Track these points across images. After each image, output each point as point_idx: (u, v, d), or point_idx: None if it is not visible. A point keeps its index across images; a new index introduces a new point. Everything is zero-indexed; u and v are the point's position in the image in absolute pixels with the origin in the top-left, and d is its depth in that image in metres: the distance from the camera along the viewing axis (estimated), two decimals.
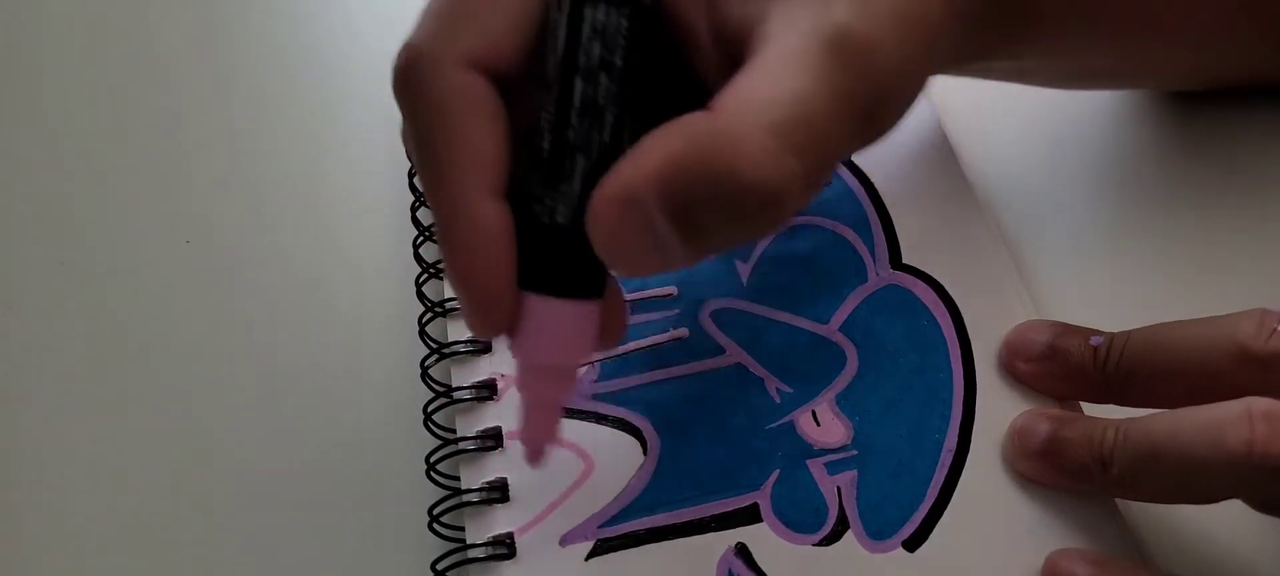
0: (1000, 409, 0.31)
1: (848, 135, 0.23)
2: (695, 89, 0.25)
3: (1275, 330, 0.27)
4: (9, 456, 0.37)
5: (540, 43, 0.24)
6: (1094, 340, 0.30)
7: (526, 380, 0.25)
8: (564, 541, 0.31)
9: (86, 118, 0.46)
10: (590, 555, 0.31)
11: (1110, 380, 0.29)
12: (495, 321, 0.24)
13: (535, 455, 0.28)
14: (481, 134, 0.23)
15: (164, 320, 0.40)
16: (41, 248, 0.42)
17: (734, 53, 0.24)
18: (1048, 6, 0.31)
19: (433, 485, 0.33)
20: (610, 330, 0.26)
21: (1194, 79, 0.36)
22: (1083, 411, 0.31)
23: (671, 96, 0.24)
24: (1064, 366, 0.30)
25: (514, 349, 0.25)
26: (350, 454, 0.36)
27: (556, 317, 0.24)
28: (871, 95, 0.23)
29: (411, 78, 0.23)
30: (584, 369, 0.25)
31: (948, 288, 0.34)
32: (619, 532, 0.31)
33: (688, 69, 0.25)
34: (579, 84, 0.22)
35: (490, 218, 0.23)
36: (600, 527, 0.31)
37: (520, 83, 0.24)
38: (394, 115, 0.42)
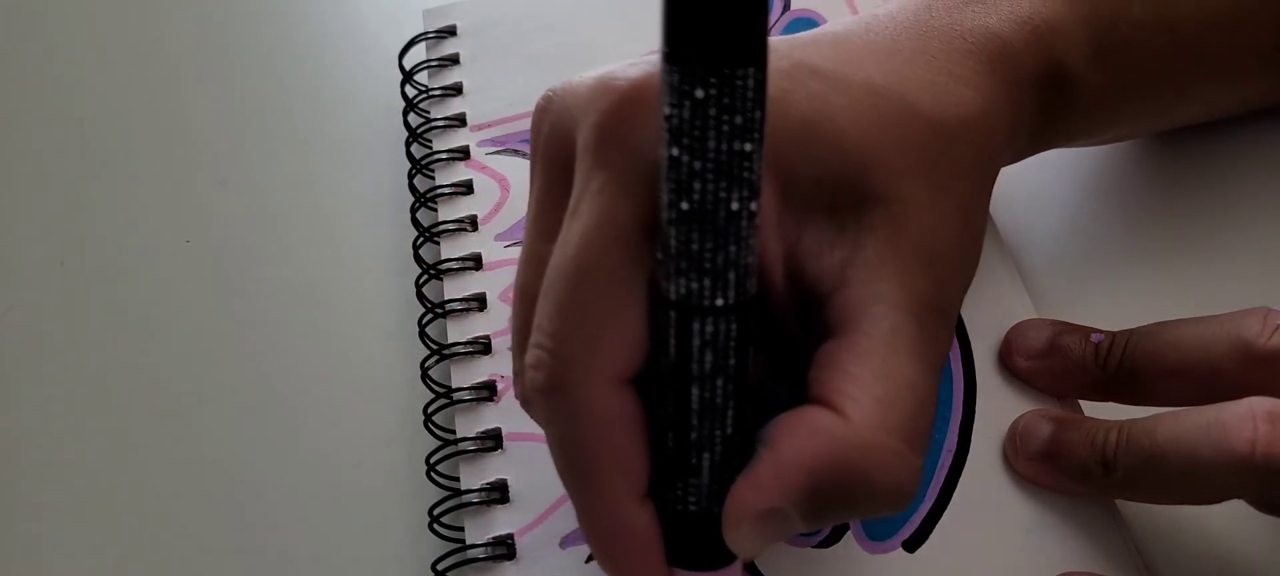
0: (1000, 409, 0.31)
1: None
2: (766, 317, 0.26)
3: (1278, 328, 0.27)
4: (9, 456, 0.37)
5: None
6: (1095, 338, 0.30)
7: None
8: (564, 543, 0.31)
9: (87, 117, 0.46)
10: (591, 557, 0.31)
11: (1111, 378, 0.29)
12: None
13: None
14: (630, 445, 0.24)
15: (164, 320, 0.40)
16: (41, 248, 0.42)
17: (808, 299, 0.25)
18: (1084, 108, 0.31)
19: (433, 485, 0.33)
20: None
21: (1228, 115, 0.37)
22: (1082, 411, 0.31)
23: None
24: (1065, 364, 0.30)
25: None
26: (350, 454, 0.36)
27: None
28: (949, 346, 0.26)
29: (561, 396, 0.24)
30: None
31: None
32: None
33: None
34: (696, 391, 0.23)
35: (642, 522, 0.24)
36: None
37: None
38: (395, 113, 0.42)
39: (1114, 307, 0.33)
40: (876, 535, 0.30)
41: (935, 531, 0.30)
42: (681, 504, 0.24)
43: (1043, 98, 0.29)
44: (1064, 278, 0.35)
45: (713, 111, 0.20)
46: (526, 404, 0.26)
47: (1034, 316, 0.32)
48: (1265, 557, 0.29)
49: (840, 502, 0.23)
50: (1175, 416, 0.27)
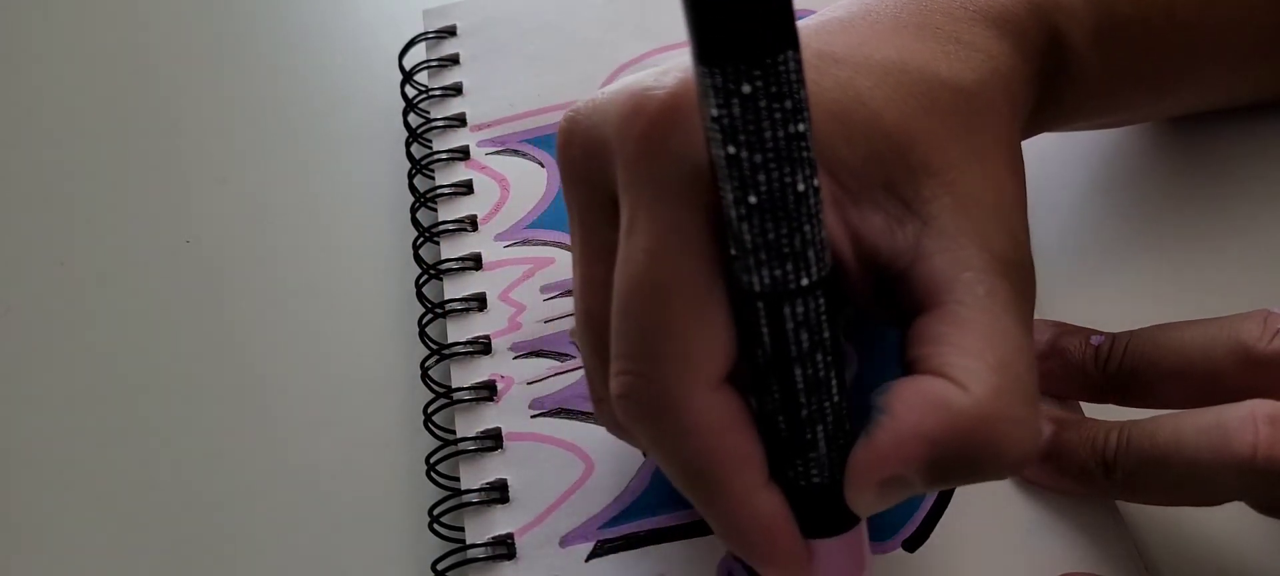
0: None
1: None
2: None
3: (1278, 331, 0.27)
4: (9, 456, 0.37)
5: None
6: (1095, 339, 0.30)
7: None
8: (564, 542, 0.31)
9: (86, 118, 0.46)
10: (591, 556, 0.31)
11: (1111, 380, 0.29)
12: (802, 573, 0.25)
13: None
14: (744, 440, 0.24)
15: (164, 320, 0.40)
16: (41, 248, 0.42)
17: (885, 278, 0.25)
18: (1085, 85, 0.31)
19: (433, 485, 0.33)
20: None
21: (1223, 104, 0.37)
22: (1082, 412, 0.31)
23: None
24: (1064, 366, 0.30)
25: None
26: (350, 454, 0.36)
27: (838, 551, 0.25)
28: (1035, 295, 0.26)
29: (665, 416, 0.24)
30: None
31: None
32: (619, 534, 0.31)
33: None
34: (798, 371, 0.23)
35: (775, 507, 0.24)
36: (601, 529, 0.31)
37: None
38: (395, 113, 0.42)
39: (1114, 306, 0.33)
40: (876, 535, 0.30)
41: (935, 531, 0.30)
42: (804, 480, 0.24)
43: (1046, 68, 0.29)
44: (1064, 276, 0.35)
45: (763, 103, 0.21)
46: (619, 430, 0.26)
47: (1034, 317, 0.32)
48: (1266, 559, 0.29)
49: (965, 470, 0.23)
50: (1176, 418, 0.27)
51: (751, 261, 0.22)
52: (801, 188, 0.22)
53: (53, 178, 0.44)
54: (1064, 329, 0.31)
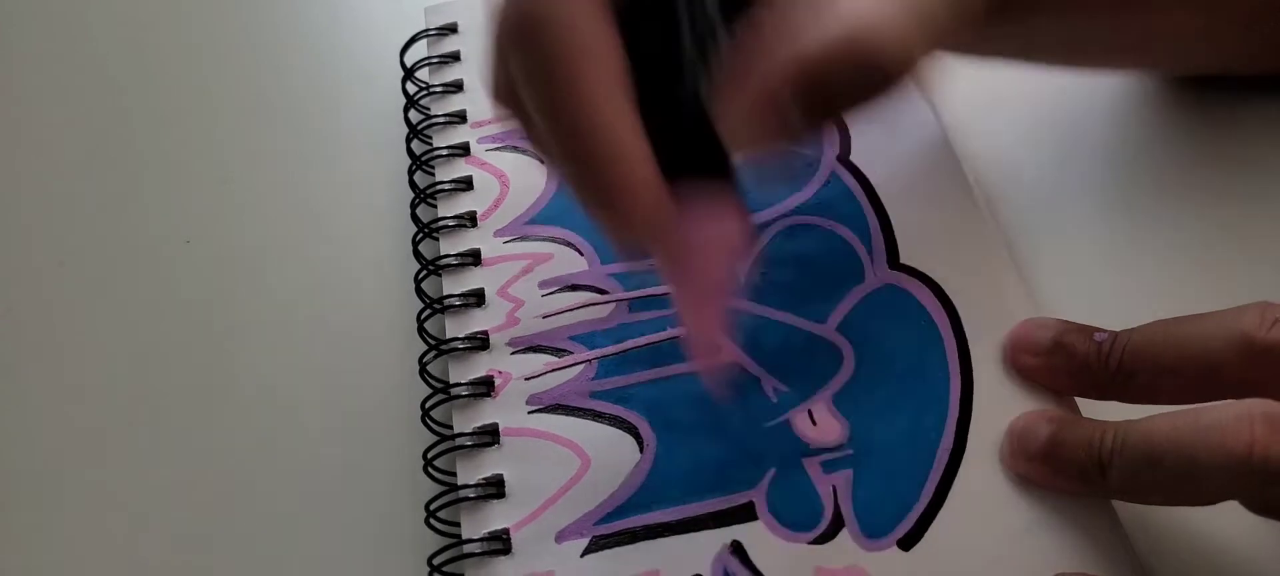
0: (997, 409, 0.31)
1: None
2: None
3: (1277, 321, 0.26)
4: (9, 456, 0.37)
5: None
6: (1098, 336, 0.30)
7: (689, 267, 0.25)
8: (560, 537, 0.31)
9: (86, 118, 0.46)
10: (586, 551, 0.31)
11: (1114, 376, 0.29)
12: (660, 218, 0.24)
13: (708, 355, 0.27)
14: (612, 57, 0.24)
15: (164, 320, 0.40)
16: (41, 248, 0.42)
17: None
18: None
19: (430, 480, 0.33)
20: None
21: (1198, 56, 0.36)
22: (1079, 412, 0.31)
23: None
24: (1068, 361, 0.30)
25: (676, 244, 0.25)
26: (348, 450, 0.36)
27: (709, 206, 0.24)
28: None
29: (541, 33, 0.23)
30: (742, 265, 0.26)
31: (945, 288, 0.33)
32: (615, 529, 0.31)
33: None
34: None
35: (629, 129, 0.24)
36: (596, 524, 0.31)
37: None
38: (396, 110, 0.42)
39: (1115, 304, 0.33)
40: (872, 533, 0.30)
41: (930, 530, 0.30)
42: (673, 108, 0.23)
43: None
44: (1064, 274, 0.35)
45: None
46: (501, 55, 0.26)
47: (1035, 316, 0.32)
48: (1261, 559, 0.29)
49: (843, 88, 0.23)
50: (1172, 418, 0.26)
51: None
52: None
53: (53, 178, 0.44)
54: (1068, 326, 0.31)
